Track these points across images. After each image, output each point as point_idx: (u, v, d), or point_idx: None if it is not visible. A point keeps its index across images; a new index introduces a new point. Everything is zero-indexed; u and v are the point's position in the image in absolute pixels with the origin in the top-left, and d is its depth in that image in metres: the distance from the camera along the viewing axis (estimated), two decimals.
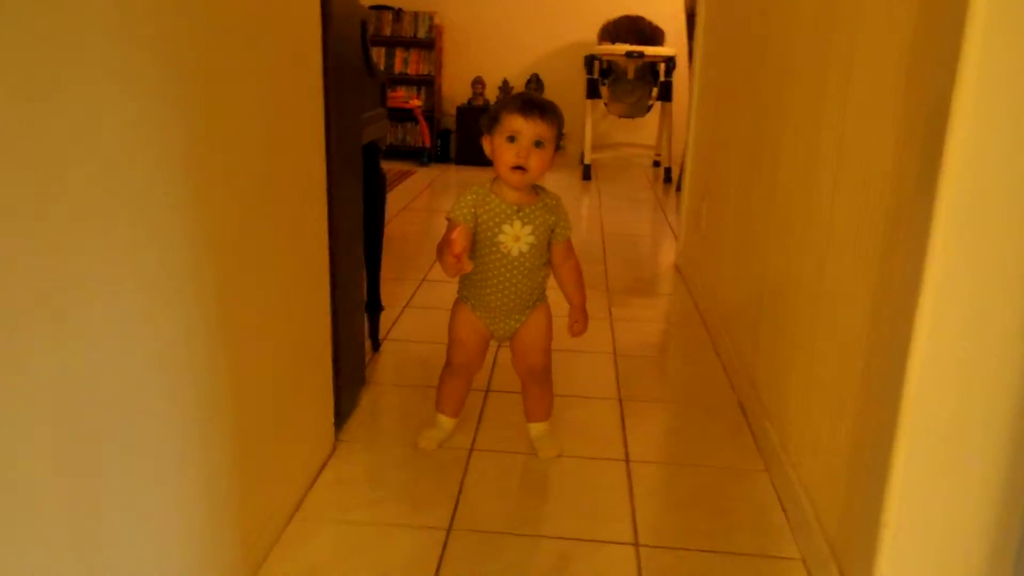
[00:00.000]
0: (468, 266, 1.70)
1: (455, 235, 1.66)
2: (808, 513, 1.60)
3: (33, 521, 0.86)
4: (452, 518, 1.67)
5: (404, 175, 5.67)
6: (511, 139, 1.69)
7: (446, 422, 1.97)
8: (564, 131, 1.78)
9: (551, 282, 1.88)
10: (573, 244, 1.85)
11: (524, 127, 1.68)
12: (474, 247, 1.75)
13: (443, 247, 1.70)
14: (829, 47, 1.70)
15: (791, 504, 1.71)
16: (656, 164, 6.15)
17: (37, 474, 0.86)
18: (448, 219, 1.75)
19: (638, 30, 5.98)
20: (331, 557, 1.54)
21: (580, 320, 1.87)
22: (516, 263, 1.77)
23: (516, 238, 1.74)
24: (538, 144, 1.69)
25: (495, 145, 1.72)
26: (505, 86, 6.32)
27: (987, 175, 1.10)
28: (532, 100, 1.73)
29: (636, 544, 1.62)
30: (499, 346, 1.98)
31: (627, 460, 1.93)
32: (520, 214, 1.74)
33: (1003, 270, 1.14)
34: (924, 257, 1.15)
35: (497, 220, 1.74)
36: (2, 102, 0.77)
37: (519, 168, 1.69)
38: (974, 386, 1.19)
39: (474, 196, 1.74)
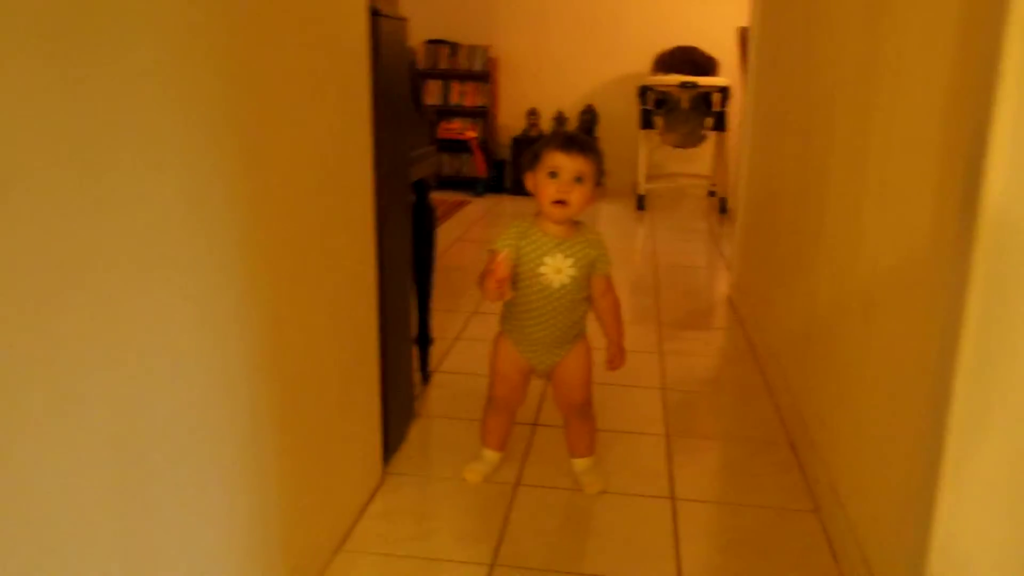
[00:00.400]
0: (508, 293, 1.74)
1: (499, 259, 1.70)
2: (855, 556, 1.57)
3: (85, 552, 0.90)
4: (495, 554, 1.68)
5: (459, 205, 5.73)
6: (552, 175, 1.74)
7: (491, 456, 1.99)
8: (605, 168, 1.81)
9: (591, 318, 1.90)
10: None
11: (565, 163, 1.73)
12: (516, 279, 1.78)
13: (485, 275, 1.74)
14: (874, 86, 1.69)
15: (840, 546, 1.68)
16: (711, 194, 6.10)
17: (91, 505, 0.90)
18: (491, 251, 1.79)
19: (692, 60, 5.97)
20: None
21: (617, 355, 1.89)
22: (557, 295, 1.79)
23: (557, 270, 1.77)
24: (578, 180, 1.74)
25: (537, 181, 1.77)
26: (560, 117, 6.35)
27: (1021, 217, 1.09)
28: (573, 138, 1.78)
29: None
30: (547, 382, 1.99)
31: (673, 497, 1.92)
32: (561, 247, 1.77)
33: None
34: (964, 298, 1.13)
35: (539, 252, 1.77)
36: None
37: (560, 202, 1.73)
38: (1019, 430, 1.16)
39: (517, 229, 1.79)
